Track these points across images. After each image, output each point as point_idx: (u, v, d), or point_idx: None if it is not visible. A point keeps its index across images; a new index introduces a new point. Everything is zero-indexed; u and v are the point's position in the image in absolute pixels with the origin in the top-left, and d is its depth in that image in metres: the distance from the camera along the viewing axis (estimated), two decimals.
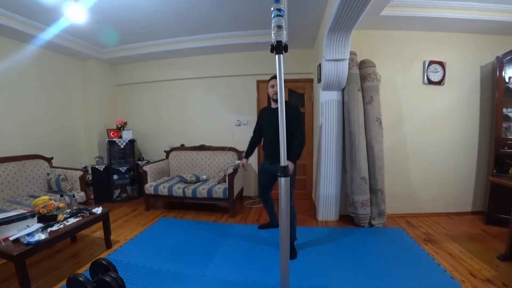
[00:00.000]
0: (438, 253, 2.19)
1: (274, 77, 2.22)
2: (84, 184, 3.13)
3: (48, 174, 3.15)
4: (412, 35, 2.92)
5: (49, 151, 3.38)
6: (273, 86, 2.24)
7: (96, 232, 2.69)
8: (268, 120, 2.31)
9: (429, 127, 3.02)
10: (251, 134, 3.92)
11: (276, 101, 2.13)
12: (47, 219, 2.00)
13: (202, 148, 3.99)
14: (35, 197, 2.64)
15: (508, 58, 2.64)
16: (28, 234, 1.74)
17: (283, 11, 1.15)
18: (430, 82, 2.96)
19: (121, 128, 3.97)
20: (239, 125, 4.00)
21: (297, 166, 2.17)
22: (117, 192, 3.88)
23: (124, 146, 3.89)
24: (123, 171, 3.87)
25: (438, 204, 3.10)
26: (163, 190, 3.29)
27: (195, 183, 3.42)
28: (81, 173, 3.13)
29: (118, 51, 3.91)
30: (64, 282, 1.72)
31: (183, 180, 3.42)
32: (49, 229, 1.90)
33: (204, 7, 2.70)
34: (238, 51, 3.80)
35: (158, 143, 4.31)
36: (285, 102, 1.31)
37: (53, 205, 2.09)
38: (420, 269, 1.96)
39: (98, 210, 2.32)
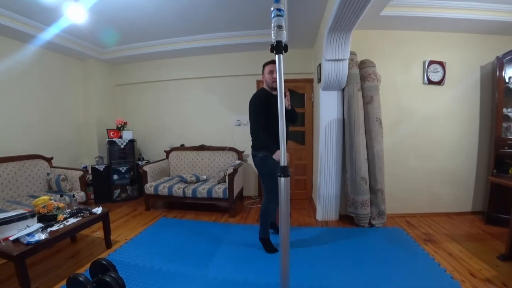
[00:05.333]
0: (438, 253, 2.19)
1: (272, 61, 2.07)
2: (84, 184, 3.13)
3: (48, 174, 3.15)
4: (412, 35, 2.92)
5: (49, 151, 3.39)
6: (271, 72, 2.10)
7: (96, 232, 2.68)
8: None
9: (429, 127, 3.02)
10: None
11: (275, 89, 2.07)
12: (47, 219, 2.01)
13: (202, 148, 3.99)
14: (35, 197, 2.64)
15: (508, 58, 2.64)
16: (28, 234, 1.74)
17: (283, 11, 1.15)
18: (430, 82, 2.96)
19: (121, 128, 3.97)
20: (239, 125, 4.00)
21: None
22: (117, 192, 3.88)
23: (124, 146, 3.88)
24: (123, 171, 3.87)
25: (438, 204, 3.10)
26: (163, 190, 3.30)
27: (195, 183, 3.42)
28: (81, 173, 3.13)
29: (118, 51, 3.91)
30: (64, 282, 1.72)
31: (183, 180, 3.42)
32: (49, 229, 1.90)
33: (204, 7, 2.70)
34: (238, 51, 3.80)
35: (158, 143, 4.31)
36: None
37: (53, 205, 2.09)
38: (420, 269, 1.96)
39: (98, 210, 2.32)
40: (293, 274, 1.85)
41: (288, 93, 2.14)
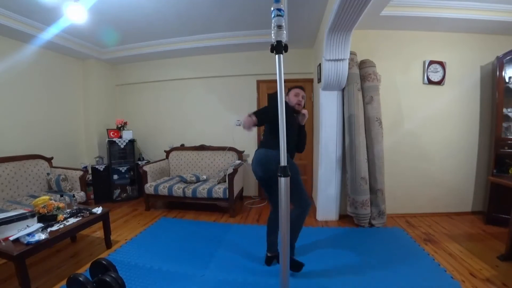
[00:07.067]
0: (438, 253, 2.19)
1: (299, 87, 2.08)
2: (84, 184, 3.13)
3: (48, 174, 3.15)
4: (412, 35, 2.92)
5: (49, 151, 3.39)
6: (297, 95, 2.02)
7: (96, 232, 2.68)
8: (289, 121, 1.98)
9: (429, 127, 3.02)
10: (251, 134, 3.97)
11: (296, 111, 2.02)
12: (47, 219, 2.01)
13: (202, 148, 4.00)
14: (35, 197, 2.64)
15: (508, 58, 2.64)
16: (28, 234, 1.74)
17: (283, 11, 1.15)
18: (430, 82, 2.96)
19: (121, 128, 3.97)
20: (239, 125, 4.00)
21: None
22: (117, 192, 3.88)
23: (124, 146, 3.89)
24: (123, 171, 3.87)
25: (438, 204, 3.10)
26: (163, 190, 3.30)
27: (195, 183, 3.42)
28: (81, 173, 3.13)
29: (118, 51, 3.91)
30: (64, 282, 1.72)
31: (183, 180, 3.42)
32: (49, 229, 1.90)
33: (204, 7, 2.70)
34: (238, 51, 3.80)
35: (158, 143, 4.31)
36: None
37: (53, 205, 2.09)
38: (420, 269, 1.96)
39: (98, 210, 2.32)
40: (293, 274, 1.86)
41: (305, 111, 2.05)
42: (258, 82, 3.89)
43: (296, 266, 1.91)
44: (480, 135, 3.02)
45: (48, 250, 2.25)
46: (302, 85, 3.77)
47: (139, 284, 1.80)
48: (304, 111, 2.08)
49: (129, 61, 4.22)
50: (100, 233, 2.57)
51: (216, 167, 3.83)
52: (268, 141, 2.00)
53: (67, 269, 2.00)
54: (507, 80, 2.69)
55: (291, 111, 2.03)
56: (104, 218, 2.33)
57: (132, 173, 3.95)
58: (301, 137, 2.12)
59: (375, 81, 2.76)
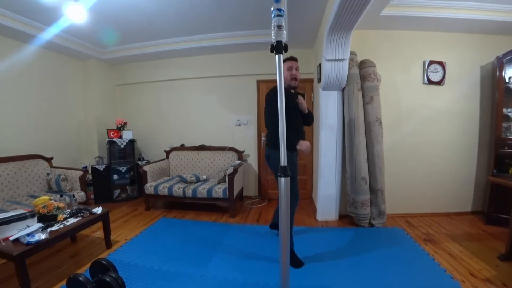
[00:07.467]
0: (438, 253, 2.19)
1: (291, 58, 2.01)
2: (84, 184, 3.13)
3: (48, 174, 3.15)
4: (412, 35, 2.92)
5: (49, 151, 3.39)
6: (290, 69, 1.99)
7: (96, 232, 2.69)
8: (295, 106, 2.06)
9: (429, 127, 3.02)
10: (251, 134, 3.97)
11: (292, 87, 2.05)
12: (47, 219, 2.01)
13: (202, 148, 4.00)
14: (35, 197, 2.64)
15: (508, 58, 2.64)
16: (28, 234, 1.74)
17: (283, 11, 1.15)
18: (430, 82, 2.96)
19: (121, 128, 3.97)
20: (239, 125, 4.00)
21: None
22: (117, 192, 3.88)
23: (124, 146, 3.88)
24: (123, 171, 3.87)
25: (438, 204, 3.10)
26: (163, 190, 3.30)
27: (195, 183, 3.42)
28: (81, 173, 3.13)
29: (118, 51, 3.91)
30: (64, 282, 1.72)
31: (183, 180, 3.43)
32: (49, 229, 1.90)
33: (204, 7, 2.70)
34: (238, 51, 3.80)
35: (158, 143, 4.31)
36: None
37: (53, 205, 2.09)
38: (420, 269, 1.96)
39: (98, 210, 2.32)
40: (293, 274, 1.86)
41: (301, 98, 2.11)
42: (258, 82, 3.89)
43: (296, 262, 2.02)
44: (480, 135, 3.02)
45: (48, 250, 2.25)
46: (302, 85, 3.73)
47: (139, 284, 1.80)
48: (300, 99, 2.07)
49: (129, 61, 4.22)
50: (100, 233, 2.57)
51: (216, 167, 3.83)
52: (271, 138, 2.08)
53: (67, 269, 2.00)
54: (507, 80, 2.69)
55: (287, 93, 1.95)
56: (104, 218, 2.34)
57: (132, 173, 3.95)
58: (307, 121, 2.21)
59: (375, 81, 2.76)
